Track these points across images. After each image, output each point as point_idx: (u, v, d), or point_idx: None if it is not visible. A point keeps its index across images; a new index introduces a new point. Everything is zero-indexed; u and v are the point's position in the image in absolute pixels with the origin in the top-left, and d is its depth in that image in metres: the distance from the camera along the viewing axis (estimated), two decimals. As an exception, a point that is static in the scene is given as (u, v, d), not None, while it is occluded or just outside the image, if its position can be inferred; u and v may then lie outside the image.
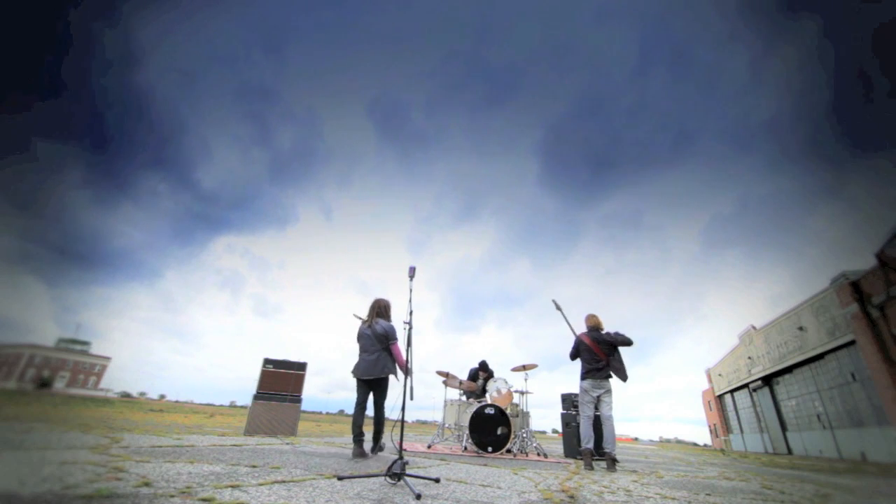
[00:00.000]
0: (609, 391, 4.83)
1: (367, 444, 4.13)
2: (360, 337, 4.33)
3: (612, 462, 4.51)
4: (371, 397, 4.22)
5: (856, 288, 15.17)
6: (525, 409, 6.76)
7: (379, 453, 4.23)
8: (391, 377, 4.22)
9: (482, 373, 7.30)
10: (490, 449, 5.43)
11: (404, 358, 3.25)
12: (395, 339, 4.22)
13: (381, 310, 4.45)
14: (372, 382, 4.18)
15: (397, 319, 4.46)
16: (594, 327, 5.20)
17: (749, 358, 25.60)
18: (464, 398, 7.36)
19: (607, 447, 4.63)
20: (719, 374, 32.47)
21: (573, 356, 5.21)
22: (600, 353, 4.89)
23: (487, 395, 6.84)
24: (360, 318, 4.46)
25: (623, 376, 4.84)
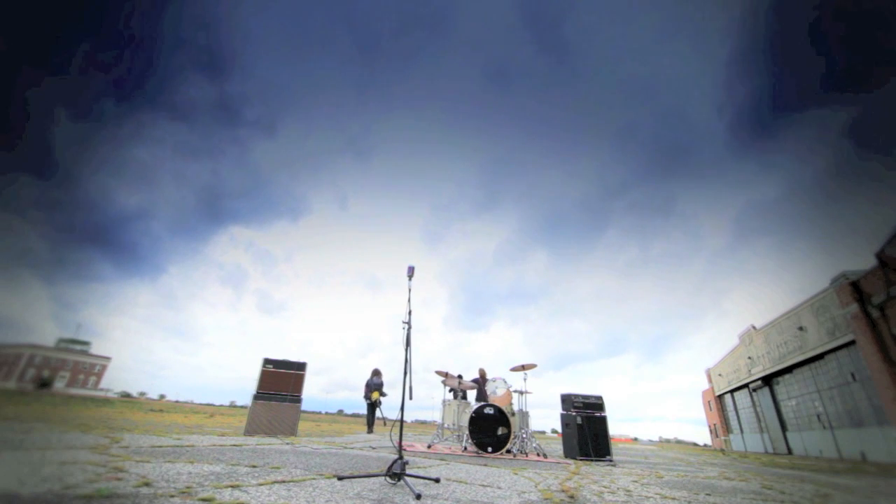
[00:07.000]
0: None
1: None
2: (368, 384, 10.18)
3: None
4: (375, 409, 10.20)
5: (856, 288, 15.17)
6: (525, 409, 6.75)
7: (373, 434, 9.04)
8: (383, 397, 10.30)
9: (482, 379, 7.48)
10: (490, 449, 5.43)
11: (382, 396, 10.17)
12: (383, 390, 10.30)
13: (377, 372, 10.46)
14: (373, 405, 10.08)
15: (396, 321, 5.90)
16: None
17: (749, 358, 25.60)
18: (451, 396, 7.41)
19: None
20: (719, 374, 32.48)
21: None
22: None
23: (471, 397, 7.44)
24: (371, 375, 10.40)
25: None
